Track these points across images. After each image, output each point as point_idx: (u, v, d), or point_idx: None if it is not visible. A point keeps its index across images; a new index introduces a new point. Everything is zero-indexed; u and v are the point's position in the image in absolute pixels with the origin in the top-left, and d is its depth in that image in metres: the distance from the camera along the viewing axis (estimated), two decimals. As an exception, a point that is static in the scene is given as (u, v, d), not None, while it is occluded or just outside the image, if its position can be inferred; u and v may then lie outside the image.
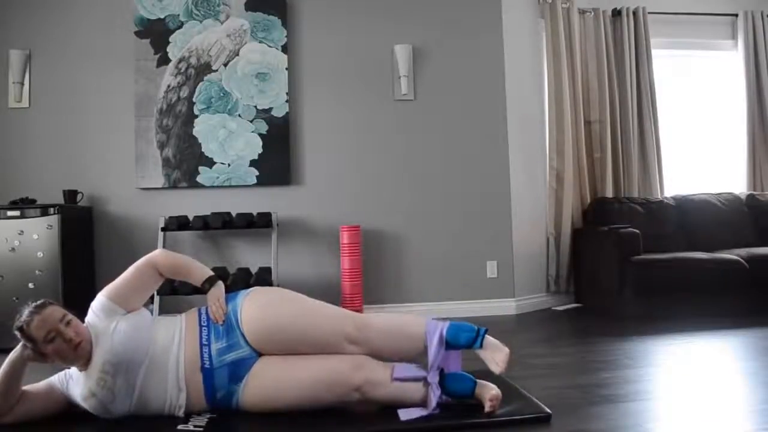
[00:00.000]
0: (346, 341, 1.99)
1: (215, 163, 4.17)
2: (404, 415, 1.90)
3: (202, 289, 2.08)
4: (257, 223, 4.01)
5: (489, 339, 2.04)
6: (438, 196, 4.39)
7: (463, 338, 2.01)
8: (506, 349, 2.02)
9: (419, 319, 2.10)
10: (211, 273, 2.11)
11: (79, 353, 1.88)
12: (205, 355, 1.93)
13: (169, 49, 4.18)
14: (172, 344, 1.94)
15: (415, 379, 1.97)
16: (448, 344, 2.01)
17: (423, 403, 1.95)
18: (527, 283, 4.52)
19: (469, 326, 2.04)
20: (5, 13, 4.15)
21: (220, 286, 2.08)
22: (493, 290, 4.38)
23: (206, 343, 1.95)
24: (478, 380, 1.99)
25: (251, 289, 2.12)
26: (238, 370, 1.93)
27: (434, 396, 1.93)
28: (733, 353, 2.96)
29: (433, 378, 1.95)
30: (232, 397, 1.94)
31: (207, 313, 2.04)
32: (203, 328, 1.98)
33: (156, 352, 1.92)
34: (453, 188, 4.40)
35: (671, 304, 3.95)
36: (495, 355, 2.00)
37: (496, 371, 1.98)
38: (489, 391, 1.94)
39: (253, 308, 1.99)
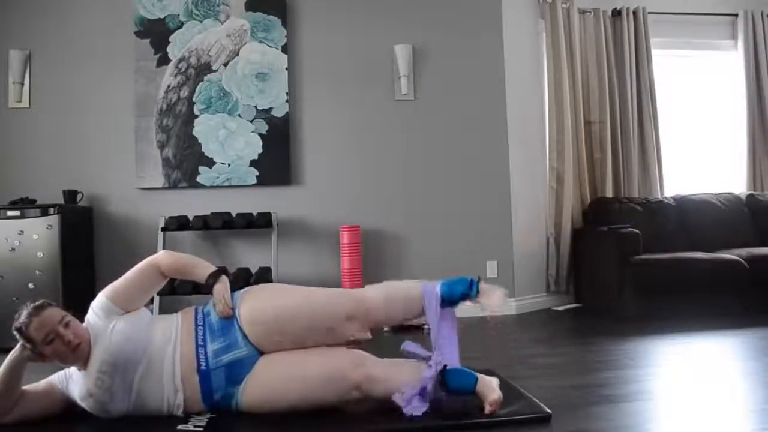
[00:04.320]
0: (346, 318, 2.00)
1: (215, 163, 4.17)
2: (400, 400, 1.88)
3: (206, 285, 2.03)
4: (257, 223, 4.01)
5: (483, 285, 2.09)
6: (438, 196, 4.39)
7: (458, 290, 2.06)
8: (501, 290, 2.08)
9: (414, 283, 2.14)
10: (215, 268, 2.07)
11: (78, 354, 1.87)
12: (202, 356, 1.91)
13: (169, 49, 4.18)
14: (169, 344, 1.93)
15: (423, 357, 2.00)
16: (445, 301, 2.05)
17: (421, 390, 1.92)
18: (527, 283, 4.51)
19: (461, 279, 2.09)
20: (5, 13, 4.14)
21: (225, 280, 2.05)
22: (493, 290, 4.37)
23: (202, 343, 1.93)
24: (479, 375, 1.99)
25: (244, 288, 2.10)
26: (236, 372, 1.92)
27: (432, 371, 1.91)
28: (733, 353, 2.96)
29: (437, 357, 1.96)
30: (231, 399, 1.93)
31: (203, 312, 2.03)
32: (199, 327, 1.97)
33: (153, 352, 1.91)
34: (453, 188, 4.40)
35: (671, 304, 3.95)
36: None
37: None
38: (491, 394, 1.94)
39: (251, 302, 1.99)
